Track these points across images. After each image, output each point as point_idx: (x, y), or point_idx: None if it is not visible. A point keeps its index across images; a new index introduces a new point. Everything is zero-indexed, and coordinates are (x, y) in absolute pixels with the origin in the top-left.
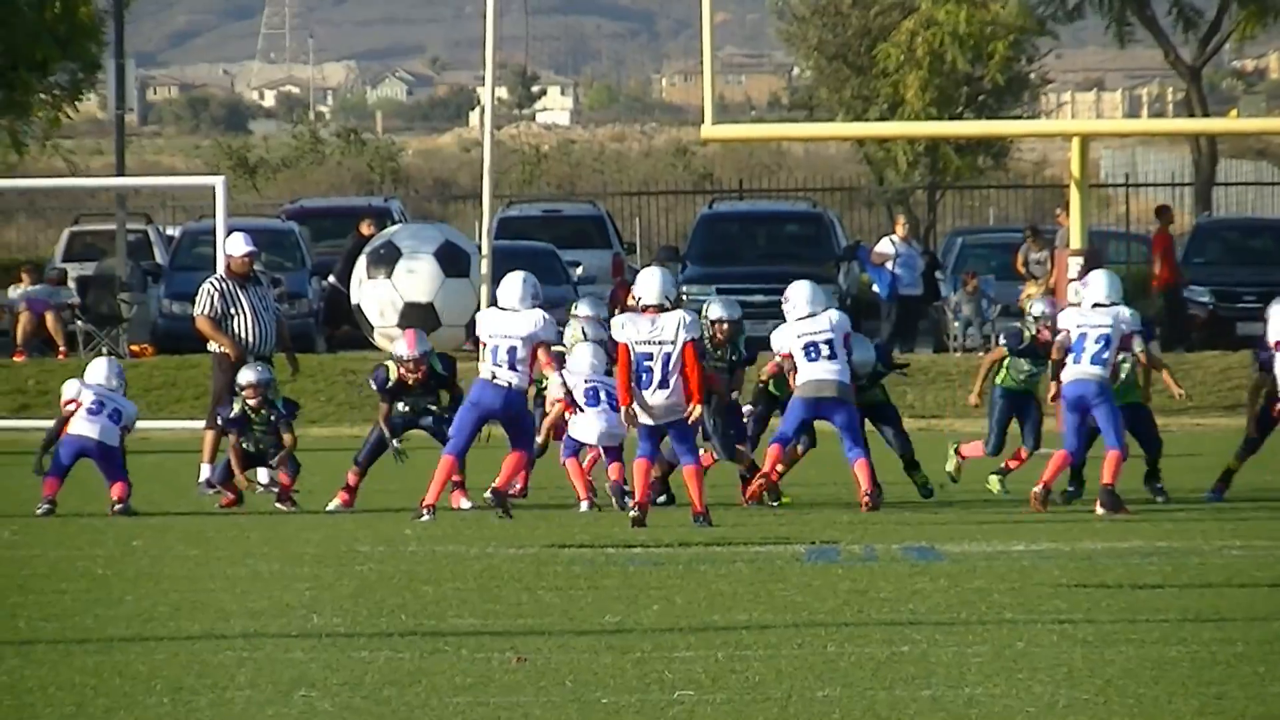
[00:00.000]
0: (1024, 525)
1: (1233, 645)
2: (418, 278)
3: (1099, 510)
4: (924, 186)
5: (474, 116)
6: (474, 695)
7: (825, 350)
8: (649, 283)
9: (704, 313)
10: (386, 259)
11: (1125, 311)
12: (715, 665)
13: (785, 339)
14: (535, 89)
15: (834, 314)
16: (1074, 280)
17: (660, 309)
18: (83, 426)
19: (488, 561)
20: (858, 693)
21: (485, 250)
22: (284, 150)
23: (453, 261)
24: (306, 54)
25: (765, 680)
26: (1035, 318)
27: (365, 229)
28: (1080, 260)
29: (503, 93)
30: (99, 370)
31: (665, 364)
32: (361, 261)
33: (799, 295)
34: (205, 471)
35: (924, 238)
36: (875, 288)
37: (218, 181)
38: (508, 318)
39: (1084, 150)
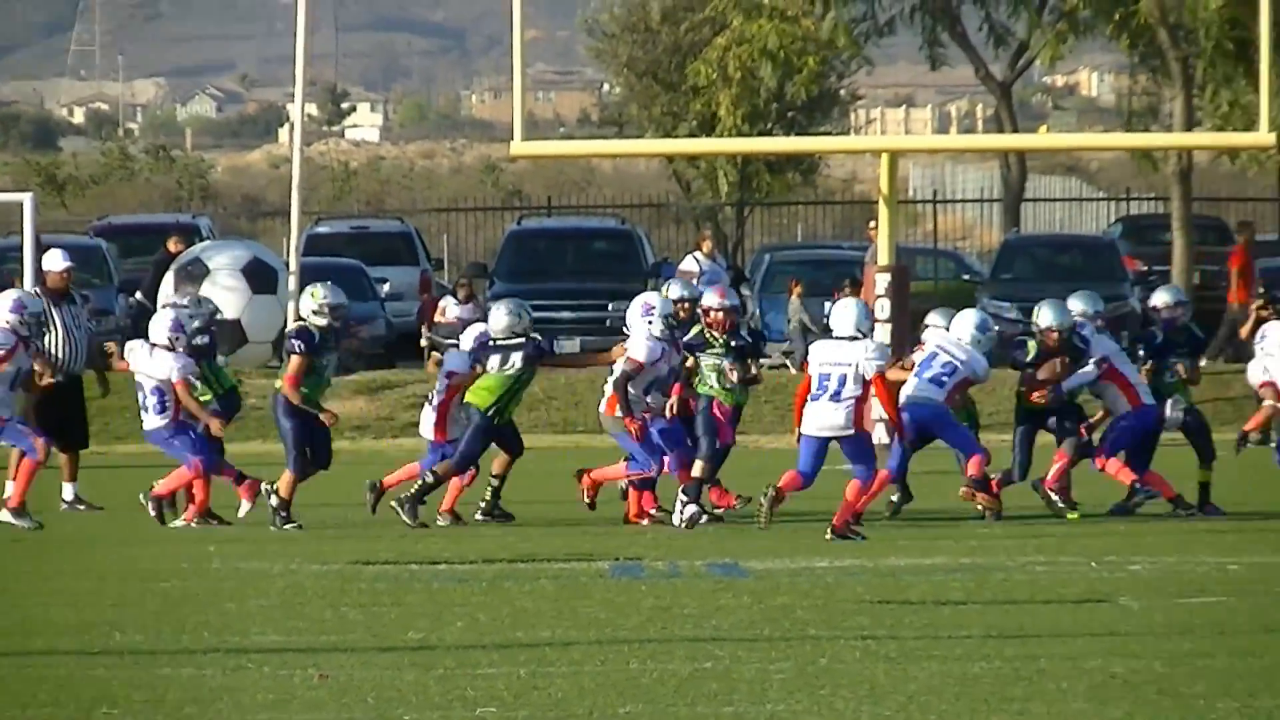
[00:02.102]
0: (828, 542)
1: (1036, 661)
2: (225, 294)
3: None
4: (733, 203)
5: (284, 133)
6: (276, 712)
7: None
8: (843, 314)
9: (664, 292)
10: (194, 275)
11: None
12: (518, 682)
13: None
14: (345, 105)
15: None
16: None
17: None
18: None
19: (291, 578)
20: (660, 709)
21: (293, 267)
22: (93, 167)
23: (260, 278)
24: (117, 71)
25: (568, 697)
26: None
27: (173, 245)
28: (889, 276)
29: (313, 109)
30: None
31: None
32: (169, 278)
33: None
34: (68, 491)
35: (732, 254)
36: None
37: (26, 198)
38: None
39: (893, 166)
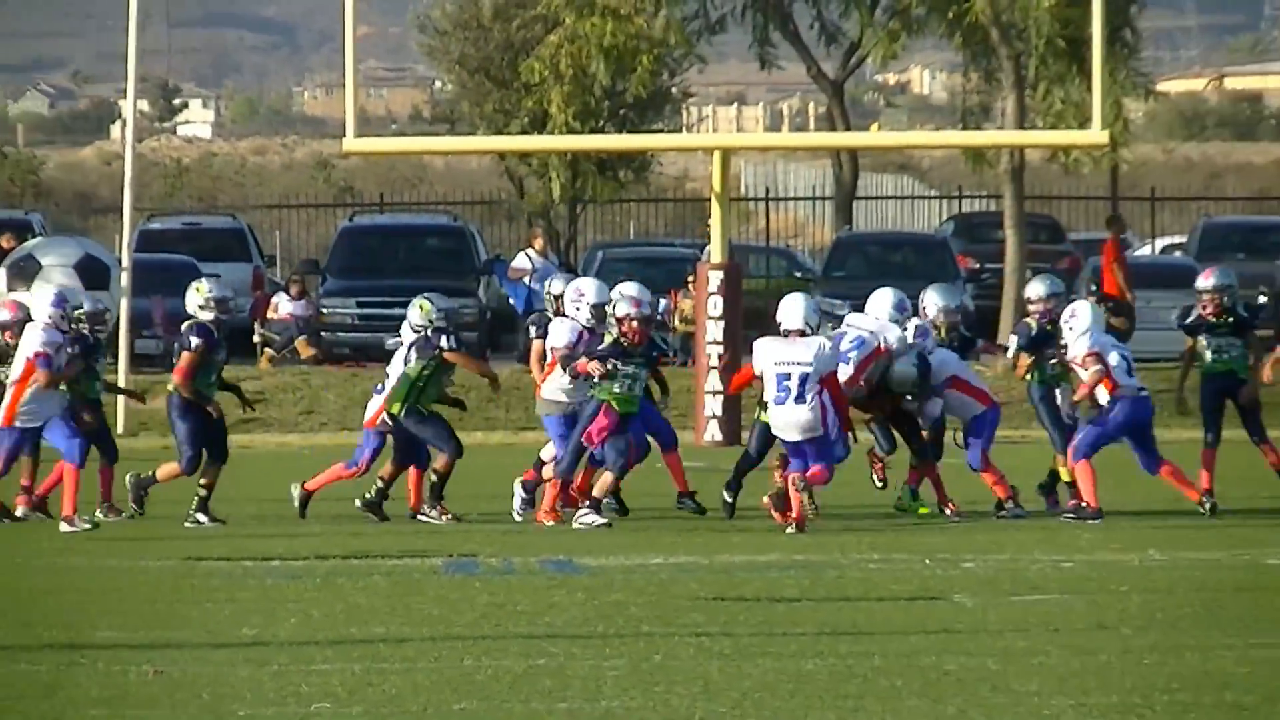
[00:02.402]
0: (662, 538)
1: (870, 658)
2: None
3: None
4: (565, 200)
5: (116, 130)
6: (110, 708)
7: None
8: (792, 308)
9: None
10: (26, 272)
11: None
12: (352, 678)
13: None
14: (177, 102)
15: None
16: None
17: (801, 334)
18: None
19: (125, 574)
20: (494, 705)
21: (126, 263)
22: None
23: (93, 274)
24: None
25: (402, 693)
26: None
27: (5, 243)
28: (721, 274)
29: (144, 106)
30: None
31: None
32: (0, 274)
33: None
34: None
35: (565, 251)
36: (512, 302)
37: None
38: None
39: (725, 164)
